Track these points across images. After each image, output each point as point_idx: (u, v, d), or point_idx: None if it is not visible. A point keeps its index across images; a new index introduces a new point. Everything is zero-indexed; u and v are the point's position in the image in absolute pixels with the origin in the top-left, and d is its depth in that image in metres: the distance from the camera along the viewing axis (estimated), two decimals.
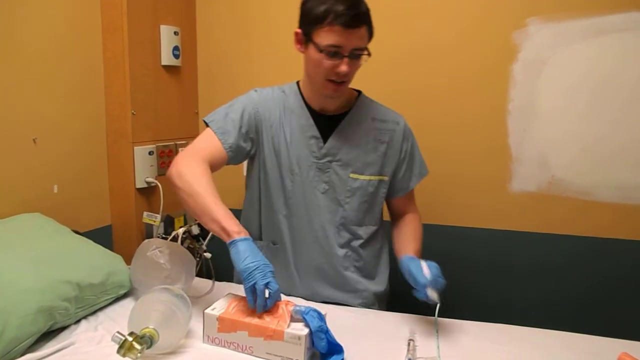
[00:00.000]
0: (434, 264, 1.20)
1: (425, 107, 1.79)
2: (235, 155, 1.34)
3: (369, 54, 1.26)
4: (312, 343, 1.03)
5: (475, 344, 1.16)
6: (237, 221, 1.16)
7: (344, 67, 1.23)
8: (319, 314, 1.05)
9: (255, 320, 1.06)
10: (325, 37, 1.21)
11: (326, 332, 1.02)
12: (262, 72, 2.09)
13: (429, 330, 1.17)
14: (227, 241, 1.13)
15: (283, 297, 1.15)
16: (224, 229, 1.14)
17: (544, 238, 1.83)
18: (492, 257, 1.85)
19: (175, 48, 2.01)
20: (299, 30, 1.29)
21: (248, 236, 1.14)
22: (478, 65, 1.81)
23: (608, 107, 1.70)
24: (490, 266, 1.85)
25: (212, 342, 1.10)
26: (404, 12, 1.84)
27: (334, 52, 1.22)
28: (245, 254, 1.09)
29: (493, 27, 1.78)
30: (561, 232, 1.81)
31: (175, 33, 2.00)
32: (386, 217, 1.52)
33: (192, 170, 1.23)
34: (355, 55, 1.24)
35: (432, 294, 1.14)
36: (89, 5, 1.75)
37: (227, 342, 1.08)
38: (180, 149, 2.08)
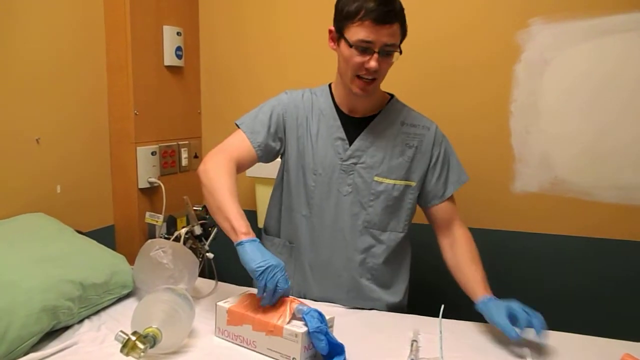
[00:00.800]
0: (519, 309, 1.13)
1: (427, 107, 1.79)
2: (264, 154, 1.36)
3: (400, 52, 1.25)
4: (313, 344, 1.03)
5: (478, 344, 1.16)
6: (248, 222, 1.16)
7: (372, 63, 1.22)
8: (320, 314, 1.04)
9: (259, 315, 1.08)
10: (356, 32, 1.21)
11: (326, 333, 1.02)
12: (265, 73, 2.09)
13: (432, 331, 1.17)
14: (235, 241, 1.14)
15: (294, 296, 1.16)
16: (233, 229, 1.15)
17: (546, 239, 1.82)
18: (494, 258, 1.85)
19: (178, 48, 2.01)
20: (332, 28, 1.30)
21: (255, 238, 1.14)
22: (481, 65, 1.81)
23: (611, 108, 1.70)
24: (493, 267, 1.84)
25: (222, 334, 1.13)
26: (405, 12, 1.84)
27: (364, 48, 1.22)
28: (254, 254, 1.10)
29: (496, 27, 1.77)
30: (563, 232, 1.80)
31: (178, 34, 2.01)
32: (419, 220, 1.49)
33: (216, 168, 1.25)
34: (386, 52, 1.23)
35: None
36: (92, 6, 1.76)
37: (235, 336, 1.11)
38: (182, 149, 2.08)
